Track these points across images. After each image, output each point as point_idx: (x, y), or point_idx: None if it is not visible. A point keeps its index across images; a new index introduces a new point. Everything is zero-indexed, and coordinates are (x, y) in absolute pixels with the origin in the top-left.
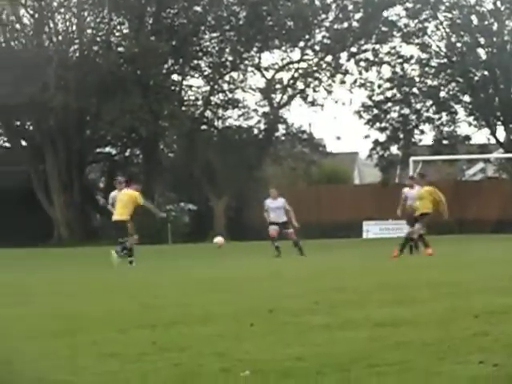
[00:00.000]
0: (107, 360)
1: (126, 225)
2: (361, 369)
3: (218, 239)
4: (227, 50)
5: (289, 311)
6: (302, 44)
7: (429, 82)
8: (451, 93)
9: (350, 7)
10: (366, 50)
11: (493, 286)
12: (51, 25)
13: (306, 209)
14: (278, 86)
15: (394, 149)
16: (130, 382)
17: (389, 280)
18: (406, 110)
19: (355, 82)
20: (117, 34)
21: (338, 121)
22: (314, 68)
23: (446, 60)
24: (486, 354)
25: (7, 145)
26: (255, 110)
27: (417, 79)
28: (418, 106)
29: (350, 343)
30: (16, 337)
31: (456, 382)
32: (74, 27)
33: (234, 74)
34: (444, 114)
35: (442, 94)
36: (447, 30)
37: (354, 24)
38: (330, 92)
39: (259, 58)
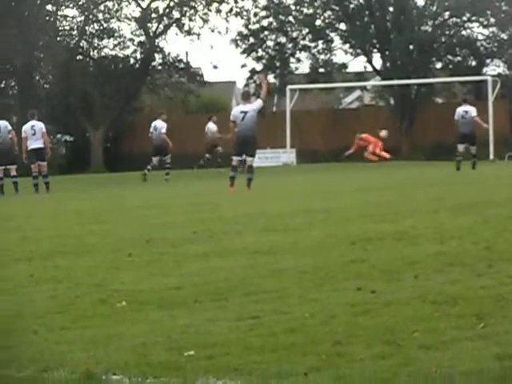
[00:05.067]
0: None
1: None
2: (238, 297)
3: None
4: None
5: (166, 241)
6: None
7: (304, 10)
8: (327, 21)
9: None
10: None
11: (368, 214)
12: None
13: (184, 138)
14: (153, 15)
15: (270, 77)
16: (7, 314)
17: (265, 209)
18: (283, 39)
19: (231, 10)
20: None
21: (214, 50)
22: None
23: None
24: (363, 281)
25: None
26: (131, 40)
27: (292, 7)
28: (295, 35)
29: (228, 272)
30: None
31: (334, 309)
32: None
33: (109, 4)
34: (320, 42)
35: (318, 22)
36: None
37: None
38: (206, 21)
39: None
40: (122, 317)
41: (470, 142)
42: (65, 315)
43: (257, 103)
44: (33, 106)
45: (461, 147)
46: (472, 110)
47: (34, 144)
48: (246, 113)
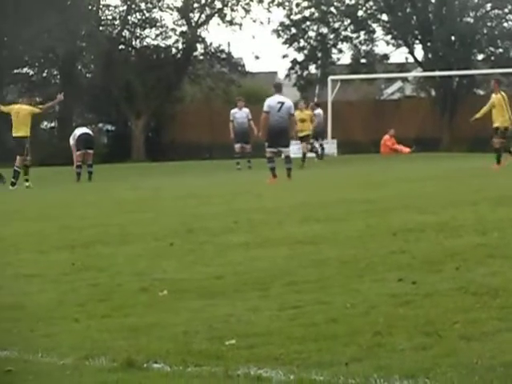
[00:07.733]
0: (25, 281)
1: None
2: (279, 286)
3: None
4: None
5: (207, 230)
6: None
7: (346, 0)
8: (369, 12)
9: None
10: None
11: (410, 204)
12: None
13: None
14: (195, 5)
15: (312, 68)
16: (48, 302)
17: (307, 199)
18: (324, 29)
19: (273, 1)
20: None
21: (256, 40)
22: None
23: None
24: (404, 272)
25: None
26: (173, 30)
27: None
28: (336, 25)
29: (269, 261)
30: None
31: (374, 300)
32: None
33: None
34: (362, 32)
35: (360, 12)
36: None
37: None
38: (248, 11)
39: None
40: (164, 305)
41: None
42: (106, 303)
43: (291, 103)
44: (75, 95)
45: None
46: None
47: (83, 130)
48: (283, 104)
